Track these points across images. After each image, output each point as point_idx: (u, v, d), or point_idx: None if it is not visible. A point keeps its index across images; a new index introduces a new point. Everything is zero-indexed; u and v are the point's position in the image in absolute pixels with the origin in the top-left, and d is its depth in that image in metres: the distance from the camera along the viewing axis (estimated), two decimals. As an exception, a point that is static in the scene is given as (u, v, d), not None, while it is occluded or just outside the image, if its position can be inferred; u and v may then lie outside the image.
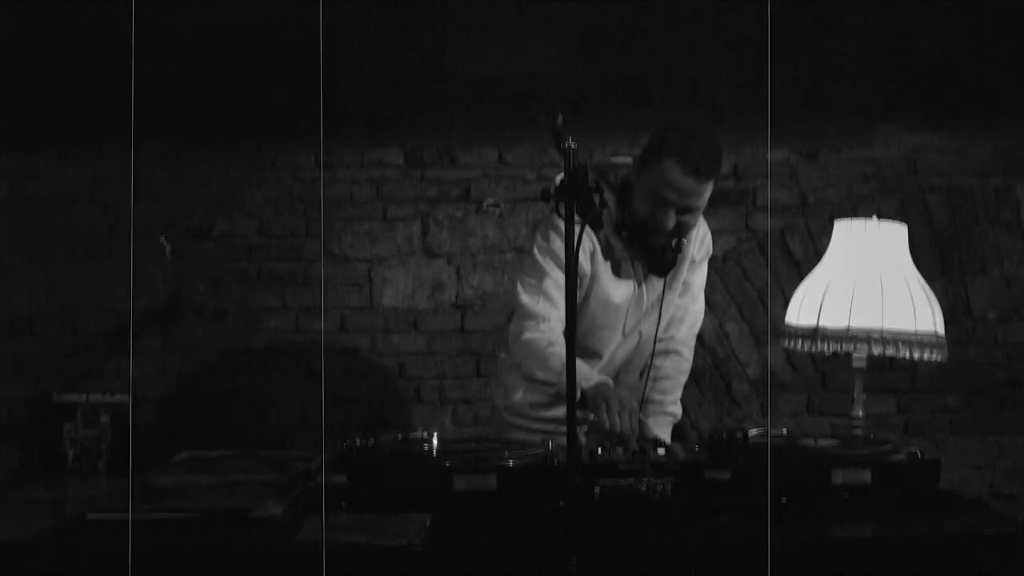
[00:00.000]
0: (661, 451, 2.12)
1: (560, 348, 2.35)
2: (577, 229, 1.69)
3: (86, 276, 3.59)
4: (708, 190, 2.33)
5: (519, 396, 2.61)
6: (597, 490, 2.01)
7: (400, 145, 3.63)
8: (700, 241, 2.59)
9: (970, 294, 3.65)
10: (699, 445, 2.24)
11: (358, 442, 2.12)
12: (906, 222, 2.82)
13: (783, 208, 3.65)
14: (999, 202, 3.66)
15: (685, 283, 2.59)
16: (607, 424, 2.20)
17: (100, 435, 2.87)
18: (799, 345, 2.69)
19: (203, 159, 3.61)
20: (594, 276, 2.46)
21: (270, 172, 3.62)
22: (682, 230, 2.38)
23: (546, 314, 2.41)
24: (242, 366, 3.61)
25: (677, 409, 2.65)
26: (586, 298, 2.48)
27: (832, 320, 2.63)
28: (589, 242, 2.43)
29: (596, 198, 1.69)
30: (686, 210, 2.33)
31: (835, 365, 3.59)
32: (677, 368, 2.64)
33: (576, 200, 1.68)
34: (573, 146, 1.72)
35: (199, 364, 3.61)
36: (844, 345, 2.61)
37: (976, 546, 1.93)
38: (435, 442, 2.19)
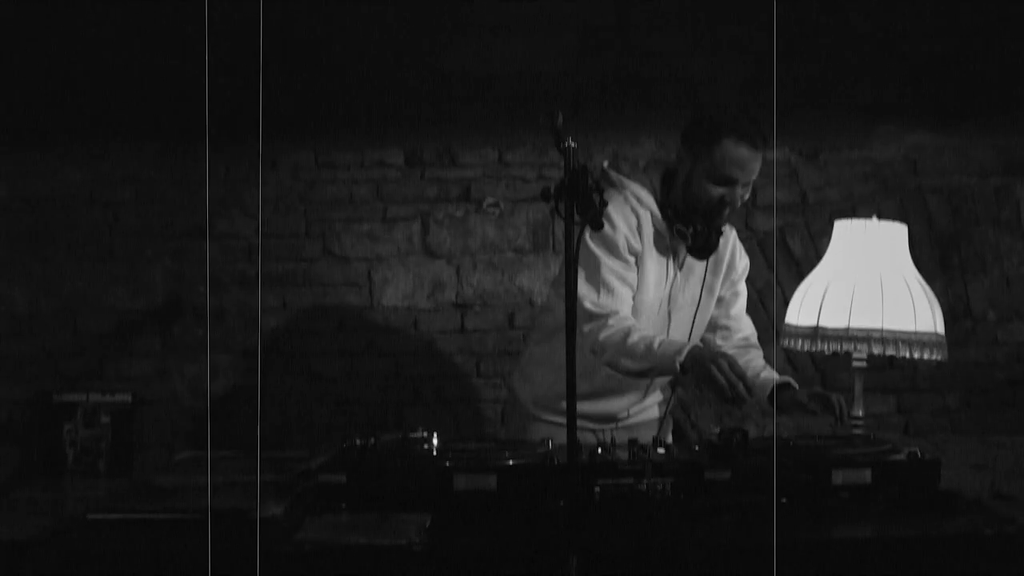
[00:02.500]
0: (661, 451, 2.12)
1: (640, 332, 2.36)
2: (577, 229, 1.69)
3: (86, 276, 3.59)
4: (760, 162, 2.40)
5: (554, 389, 2.54)
6: (597, 490, 2.01)
7: (400, 145, 3.63)
8: (738, 253, 2.65)
9: (970, 294, 3.65)
10: (699, 445, 2.24)
11: (358, 442, 2.12)
12: (906, 222, 2.82)
13: (783, 208, 3.65)
14: (999, 202, 3.66)
15: (734, 294, 2.64)
16: (721, 383, 2.19)
17: (100, 435, 2.87)
18: (799, 345, 2.69)
19: (203, 159, 3.61)
20: (642, 253, 2.46)
21: (270, 172, 3.62)
22: (730, 210, 2.43)
23: (611, 307, 2.40)
24: (242, 366, 3.61)
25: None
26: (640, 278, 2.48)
27: (832, 320, 2.63)
28: (634, 217, 2.43)
29: (596, 198, 1.69)
30: (743, 186, 2.40)
31: (835, 365, 3.59)
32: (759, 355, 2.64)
33: (576, 200, 1.68)
34: (573, 146, 1.72)
35: (199, 364, 3.61)
36: (844, 345, 2.61)
37: (976, 546, 1.92)
38: (435, 442, 2.19)
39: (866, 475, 2.08)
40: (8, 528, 2.00)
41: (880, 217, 2.76)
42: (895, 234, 2.72)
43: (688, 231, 2.44)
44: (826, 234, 2.88)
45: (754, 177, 2.40)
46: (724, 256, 2.58)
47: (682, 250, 2.50)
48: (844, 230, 2.76)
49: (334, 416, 3.60)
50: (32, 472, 3.37)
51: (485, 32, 3.60)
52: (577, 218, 1.69)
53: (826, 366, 3.63)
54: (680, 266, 2.53)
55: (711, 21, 3.61)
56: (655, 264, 2.49)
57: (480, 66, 3.60)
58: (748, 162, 2.35)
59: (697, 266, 2.54)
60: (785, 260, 3.63)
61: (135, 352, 3.59)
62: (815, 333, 2.64)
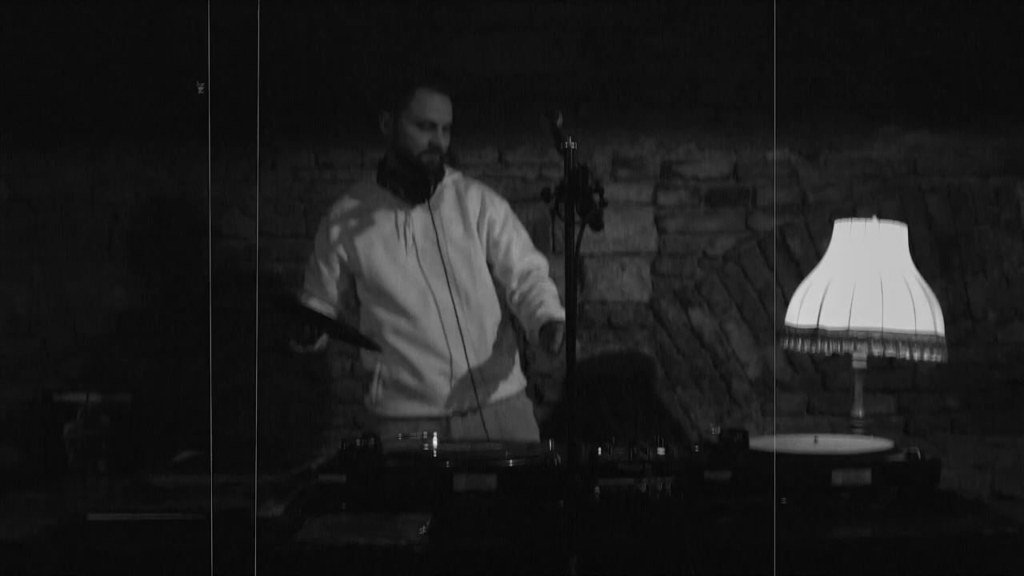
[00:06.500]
0: (661, 451, 2.12)
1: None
2: (577, 229, 1.69)
3: (86, 276, 3.59)
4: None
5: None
6: (597, 490, 2.01)
7: (400, 145, 3.63)
8: (488, 199, 2.85)
9: (970, 294, 3.65)
10: (699, 445, 2.24)
11: (358, 442, 2.12)
12: (906, 222, 2.82)
13: (783, 208, 3.65)
14: (999, 202, 3.66)
15: (508, 238, 2.79)
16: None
17: (100, 435, 2.87)
18: (799, 345, 2.69)
19: (202, 159, 3.60)
20: (358, 256, 2.75)
21: (270, 172, 3.62)
22: (439, 157, 2.74)
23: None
24: (242, 366, 3.61)
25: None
26: (362, 277, 2.77)
27: (832, 320, 2.63)
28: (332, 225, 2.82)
29: (596, 198, 1.70)
30: (444, 129, 2.73)
31: (835, 365, 3.59)
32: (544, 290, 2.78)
33: (576, 200, 1.69)
34: (573, 146, 1.73)
35: (199, 364, 3.61)
36: (844, 345, 2.61)
37: (976, 546, 1.93)
38: (435, 442, 2.19)
39: (866, 475, 2.08)
40: (8, 528, 2.00)
41: (880, 217, 2.76)
42: (895, 235, 2.72)
43: (400, 186, 2.72)
44: (826, 234, 2.88)
45: (449, 120, 2.72)
46: (469, 204, 2.79)
47: (403, 202, 2.74)
48: (844, 230, 2.76)
49: (334, 416, 3.60)
50: (32, 472, 3.37)
51: (485, 32, 3.60)
52: (577, 218, 1.69)
53: (826, 367, 3.63)
54: (407, 216, 2.74)
55: (711, 21, 3.60)
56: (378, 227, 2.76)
57: (480, 66, 3.60)
58: (441, 106, 2.71)
59: (430, 214, 2.73)
60: (785, 260, 3.63)
61: (135, 352, 3.59)
62: (815, 334, 2.64)
